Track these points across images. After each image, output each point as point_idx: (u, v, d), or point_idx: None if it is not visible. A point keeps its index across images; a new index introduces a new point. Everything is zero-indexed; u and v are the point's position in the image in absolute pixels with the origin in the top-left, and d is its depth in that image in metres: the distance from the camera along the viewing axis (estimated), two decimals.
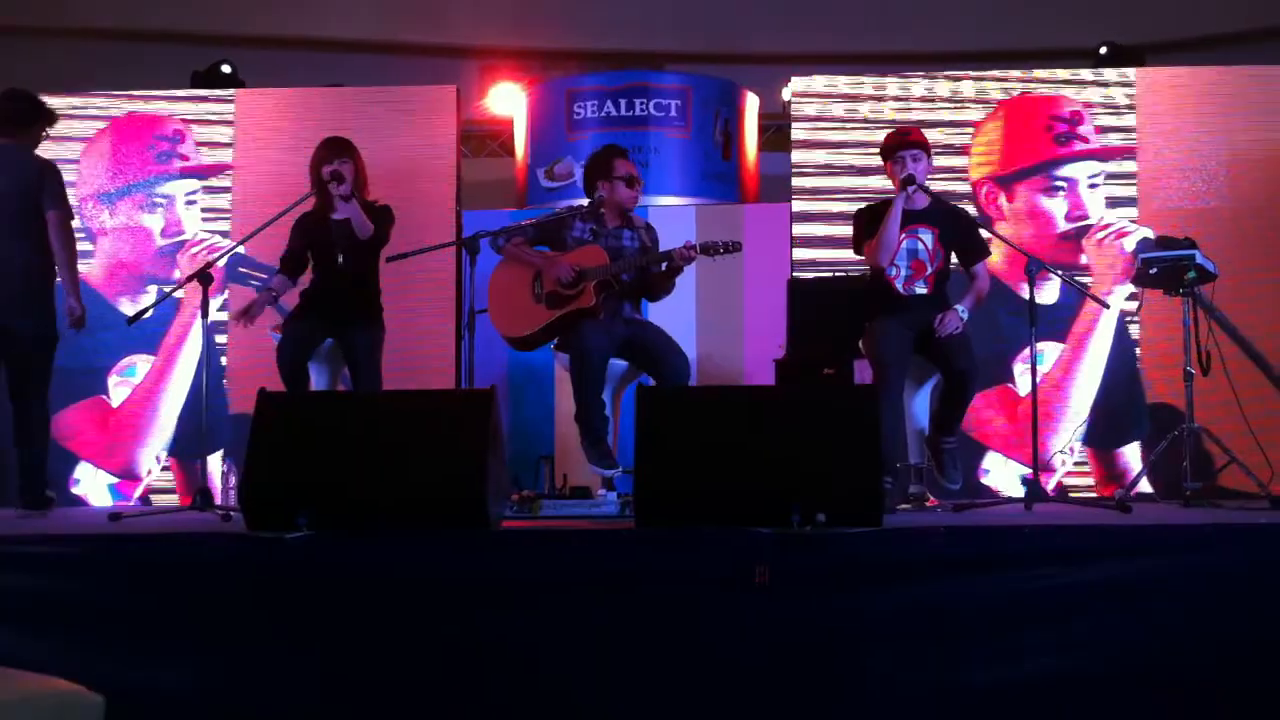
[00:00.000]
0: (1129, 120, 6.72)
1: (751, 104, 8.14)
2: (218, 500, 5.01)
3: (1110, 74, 6.82)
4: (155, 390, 6.78)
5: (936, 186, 5.08)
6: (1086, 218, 6.67)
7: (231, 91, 7.11)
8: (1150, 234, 6.57)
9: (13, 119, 5.17)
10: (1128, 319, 6.54)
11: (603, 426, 4.91)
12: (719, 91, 7.97)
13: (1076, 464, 6.53)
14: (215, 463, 6.49)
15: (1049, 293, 6.53)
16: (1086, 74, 6.83)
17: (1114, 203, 6.67)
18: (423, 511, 3.70)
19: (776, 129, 8.27)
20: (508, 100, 8.62)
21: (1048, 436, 6.42)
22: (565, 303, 4.97)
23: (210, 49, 7.69)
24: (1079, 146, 6.73)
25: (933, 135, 5.25)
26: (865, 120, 6.80)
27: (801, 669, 3.41)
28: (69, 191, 6.05)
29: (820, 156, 6.82)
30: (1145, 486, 5.79)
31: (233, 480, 5.98)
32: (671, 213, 7.12)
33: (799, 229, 6.78)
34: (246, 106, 7.02)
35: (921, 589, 3.45)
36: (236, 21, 9.10)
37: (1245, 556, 3.51)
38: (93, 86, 7.10)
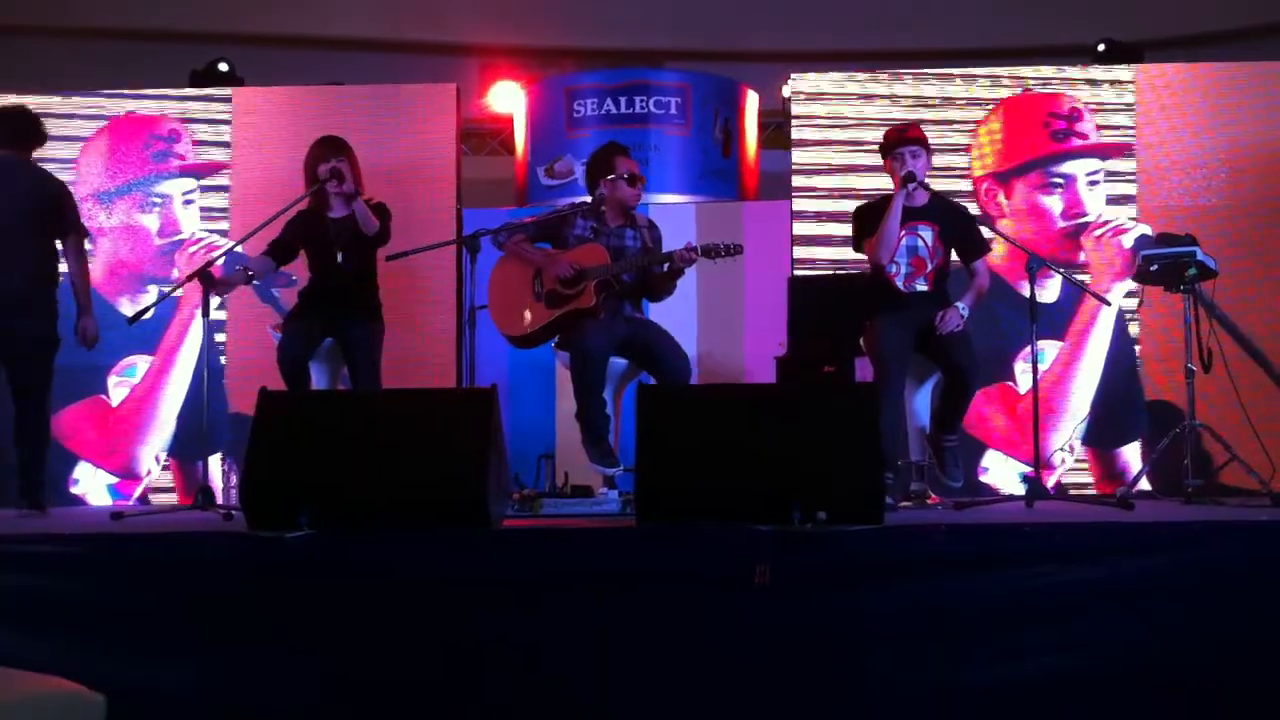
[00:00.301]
0: (1128, 118, 6.71)
1: (751, 101, 8.13)
2: (219, 499, 5.01)
3: (1109, 71, 6.81)
4: (154, 390, 6.77)
5: (936, 185, 5.07)
6: (1085, 215, 6.66)
7: (229, 90, 7.10)
8: (1149, 231, 6.57)
9: (22, 134, 5.34)
10: (1127, 316, 6.53)
11: (603, 425, 4.90)
12: (718, 89, 7.96)
13: (1077, 462, 6.53)
14: (215, 462, 6.50)
15: (1049, 290, 6.53)
16: (1086, 71, 6.82)
17: (1113, 200, 6.67)
18: (423, 510, 3.70)
19: (776, 126, 8.27)
20: (507, 98, 8.61)
21: (1047, 434, 6.41)
22: (565, 302, 4.97)
23: (210, 48, 7.68)
24: (1077, 143, 6.72)
25: (932, 133, 5.24)
26: (865, 118, 6.80)
27: (802, 667, 3.41)
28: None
29: (820, 154, 6.81)
30: (1144, 484, 5.79)
31: (233, 479, 5.98)
32: (671, 210, 7.12)
33: (799, 227, 6.78)
34: (244, 105, 7.02)
35: (922, 587, 3.45)
36: (236, 20, 9.10)
37: (1247, 554, 3.50)
38: (92, 86, 7.10)
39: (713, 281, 6.71)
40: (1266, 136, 6.62)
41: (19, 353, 5.11)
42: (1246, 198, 6.59)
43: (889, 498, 4.26)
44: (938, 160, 5.89)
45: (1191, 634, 3.42)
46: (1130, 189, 6.67)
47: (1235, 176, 6.61)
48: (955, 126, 6.77)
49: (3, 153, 5.25)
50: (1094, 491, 6.43)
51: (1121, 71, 6.80)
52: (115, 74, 7.45)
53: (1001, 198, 6.72)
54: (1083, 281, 6.28)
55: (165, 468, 6.74)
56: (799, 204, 6.80)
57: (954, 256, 5.06)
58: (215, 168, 6.95)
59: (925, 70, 6.92)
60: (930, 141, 5.07)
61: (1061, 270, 5.75)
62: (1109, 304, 6.16)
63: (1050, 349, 6.50)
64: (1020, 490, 6.17)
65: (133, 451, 6.76)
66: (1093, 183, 6.69)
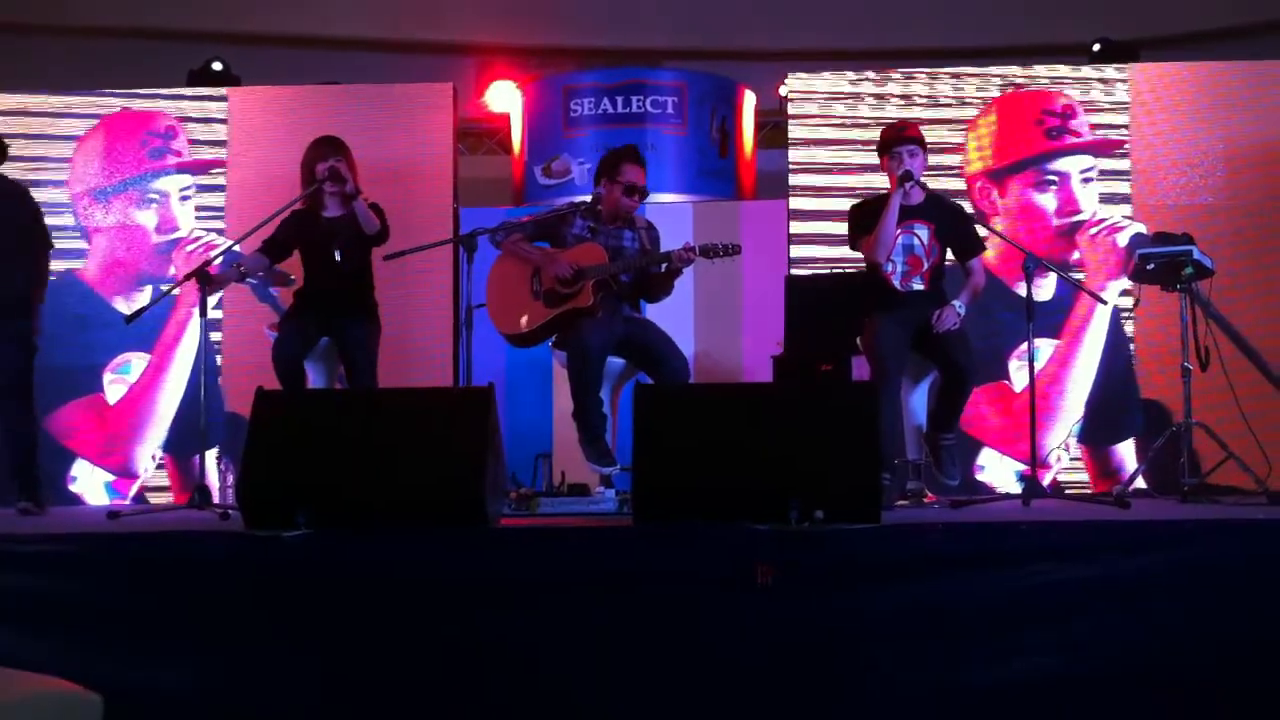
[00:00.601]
0: (1123, 117, 6.72)
1: (748, 101, 8.14)
2: (215, 498, 5.01)
3: (1105, 70, 6.81)
4: (151, 388, 6.77)
5: (931, 183, 5.07)
6: (1079, 212, 6.67)
7: (225, 90, 7.09)
8: (1143, 229, 6.57)
9: None
10: (1122, 315, 6.53)
11: (601, 424, 4.90)
12: (715, 88, 7.96)
13: (1072, 460, 6.53)
14: (211, 460, 6.50)
15: (1044, 289, 6.53)
16: (1081, 70, 6.83)
17: (1108, 199, 6.67)
18: (421, 509, 3.70)
19: (773, 125, 8.27)
20: (504, 98, 8.61)
21: (1043, 433, 6.41)
22: (563, 301, 4.97)
23: (208, 47, 7.68)
24: (1071, 140, 6.72)
25: (928, 132, 5.24)
26: (861, 117, 6.80)
27: (800, 666, 3.41)
28: (62, 191, 6.05)
29: (817, 154, 6.81)
30: (1139, 482, 5.79)
31: (230, 479, 5.98)
32: (668, 210, 7.12)
33: (796, 226, 6.78)
34: (240, 105, 7.01)
35: (920, 586, 3.45)
36: (234, 19, 9.08)
37: (1244, 552, 3.51)
38: (90, 85, 7.09)
39: (710, 281, 6.71)
40: (1262, 135, 6.63)
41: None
42: (1242, 196, 6.60)
43: (886, 497, 4.26)
44: (933, 159, 5.88)
45: (1189, 632, 3.43)
46: (1125, 187, 6.68)
47: (1231, 175, 6.62)
48: (951, 126, 6.77)
49: None
50: (1089, 489, 6.44)
51: (1116, 70, 6.80)
52: (113, 73, 7.45)
53: (995, 195, 6.73)
54: (1078, 280, 6.28)
55: (160, 466, 6.73)
56: (796, 203, 6.79)
57: (950, 255, 5.06)
58: (212, 164, 6.94)
59: (921, 69, 6.92)
60: (926, 140, 5.07)
61: (1057, 269, 5.75)
62: (1105, 303, 6.16)
63: (1045, 347, 6.51)
64: (1016, 488, 6.18)
65: (130, 450, 6.76)
66: (1086, 180, 6.69)
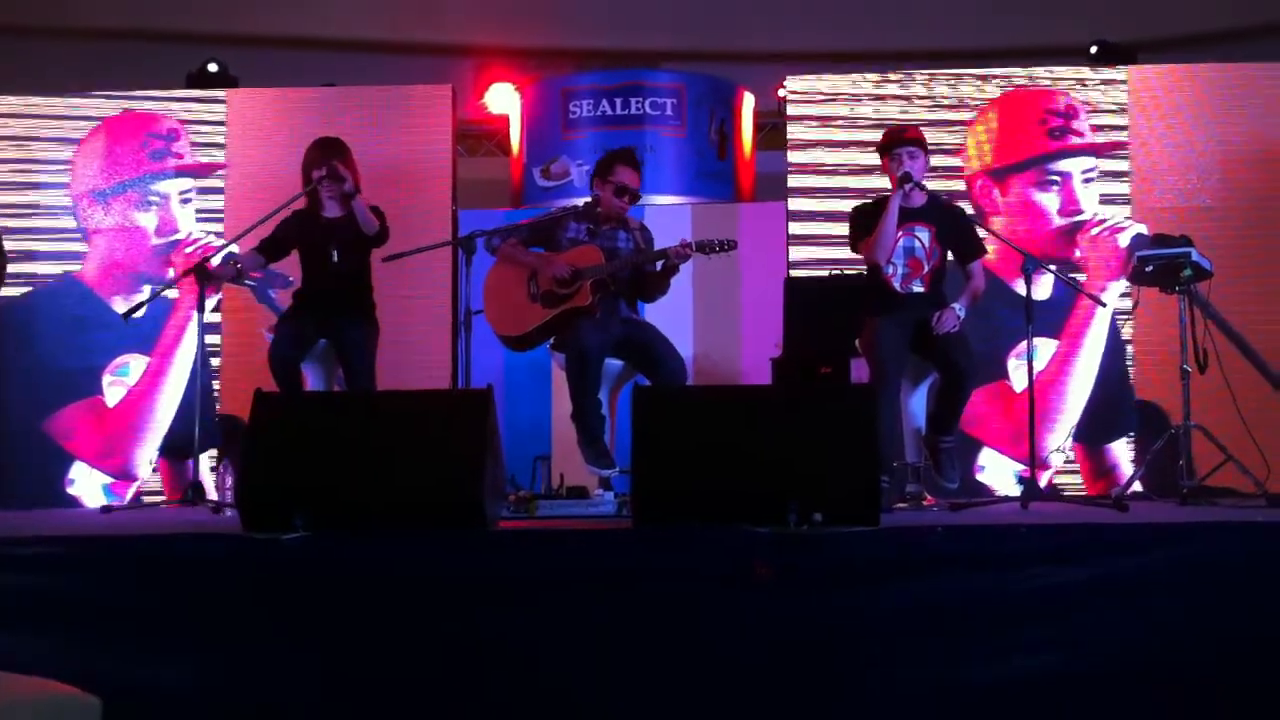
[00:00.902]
0: (1121, 119, 6.72)
1: (747, 102, 8.14)
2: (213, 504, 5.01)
3: (1103, 72, 6.81)
4: (150, 390, 6.76)
5: (931, 185, 5.07)
6: (1080, 212, 6.66)
7: (224, 92, 7.09)
8: (1144, 230, 6.57)
9: None
10: (1119, 317, 6.53)
11: (599, 426, 4.90)
12: (714, 90, 7.96)
13: (1066, 461, 6.53)
14: (206, 461, 6.52)
15: (1043, 288, 6.51)
16: (1079, 72, 6.83)
17: (1108, 201, 6.67)
18: (419, 512, 3.69)
19: (772, 127, 8.27)
20: (503, 99, 8.61)
21: (1042, 433, 6.41)
22: (561, 302, 4.97)
23: (208, 49, 7.68)
24: (1074, 141, 6.72)
25: (926, 134, 5.24)
26: (861, 119, 6.80)
27: (799, 668, 3.41)
28: (63, 192, 6.04)
29: (816, 156, 6.81)
30: (1135, 484, 5.79)
31: (228, 481, 5.98)
32: (667, 212, 7.12)
33: (795, 228, 6.77)
34: (239, 106, 7.01)
35: (919, 588, 3.45)
36: (234, 21, 9.09)
37: (1244, 555, 3.51)
38: (89, 86, 7.09)
39: (709, 282, 6.71)
40: (1260, 137, 6.63)
41: None
42: (1241, 198, 6.60)
43: (884, 499, 4.25)
44: (933, 161, 5.88)
45: (1189, 635, 3.42)
46: (1125, 189, 6.68)
47: (1229, 177, 6.62)
48: (950, 128, 6.76)
49: None
50: (1084, 489, 6.44)
51: (1114, 72, 6.80)
52: (113, 74, 7.44)
53: (996, 194, 6.72)
54: (1078, 282, 6.28)
55: (155, 469, 6.72)
56: (795, 204, 6.79)
57: (950, 258, 5.06)
58: (213, 168, 6.93)
59: (919, 71, 6.92)
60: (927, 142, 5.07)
61: (1057, 271, 5.75)
62: (1104, 304, 6.16)
63: (1044, 347, 6.50)
64: (1016, 489, 6.17)
65: (129, 453, 6.75)
66: (1088, 180, 6.69)
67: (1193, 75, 6.78)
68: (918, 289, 4.95)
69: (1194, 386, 5.23)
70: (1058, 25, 8.54)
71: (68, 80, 7.31)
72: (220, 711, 3.44)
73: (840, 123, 6.83)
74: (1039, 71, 6.86)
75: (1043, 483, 6.27)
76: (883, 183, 5.14)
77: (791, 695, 3.39)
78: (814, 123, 6.84)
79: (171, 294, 6.40)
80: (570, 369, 4.89)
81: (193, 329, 6.67)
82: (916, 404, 5.06)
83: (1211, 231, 6.35)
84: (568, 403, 4.91)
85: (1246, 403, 5.43)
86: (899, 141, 4.96)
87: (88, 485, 6.73)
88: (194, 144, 6.97)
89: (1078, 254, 6.64)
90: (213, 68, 7.28)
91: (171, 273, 6.71)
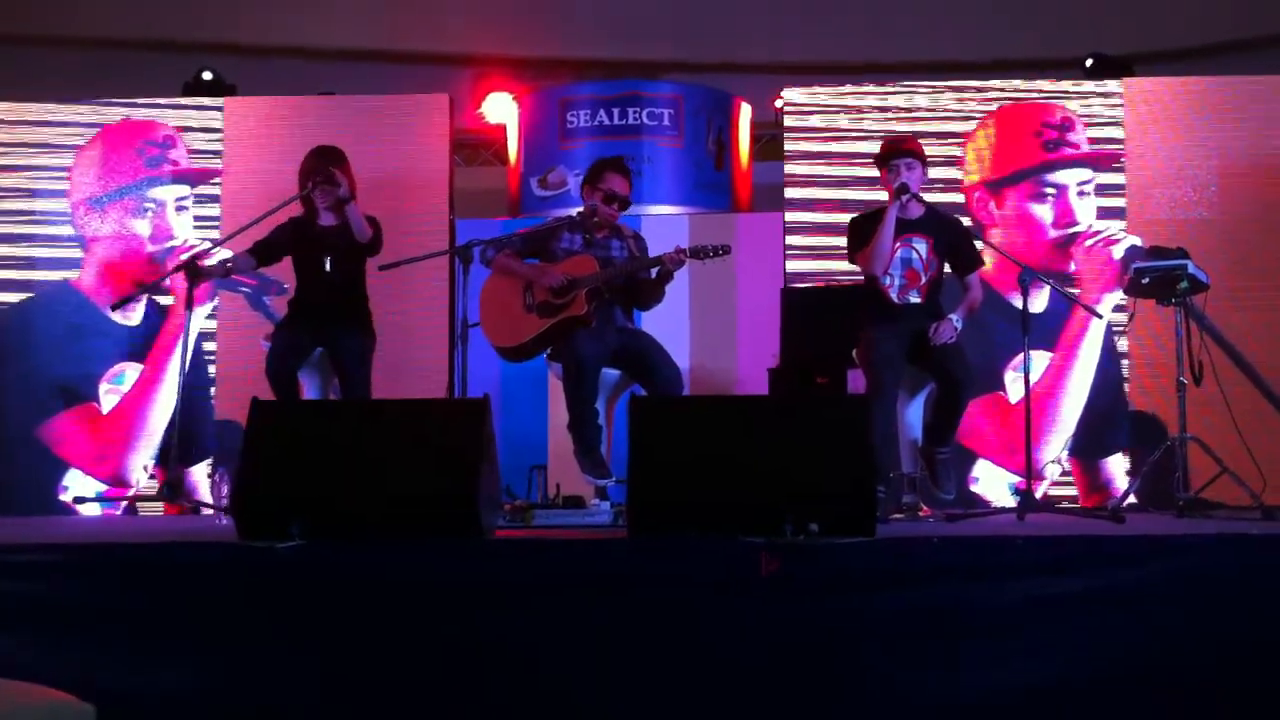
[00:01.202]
0: (1117, 132, 6.73)
1: (744, 113, 8.15)
2: (209, 510, 5.01)
3: (1098, 85, 6.83)
4: (144, 398, 6.76)
5: (928, 197, 5.08)
6: (1076, 224, 6.68)
7: (221, 100, 7.09)
8: (1139, 242, 6.58)
9: None
10: (1115, 330, 6.53)
11: (596, 436, 4.90)
12: (712, 101, 7.97)
13: (1062, 473, 6.53)
14: (202, 470, 6.52)
15: (1039, 300, 6.53)
16: (1075, 84, 6.85)
17: (1103, 213, 6.68)
18: (415, 521, 3.68)
19: (769, 138, 8.28)
20: (501, 109, 8.62)
21: (1038, 445, 6.41)
22: (557, 312, 4.97)
23: (206, 58, 7.69)
24: (1069, 153, 6.74)
25: (923, 146, 5.25)
26: (857, 130, 6.81)
27: (794, 676, 3.40)
28: (63, 201, 6.03)
29: (813, 167, 6.82)
30: (1130, 496, 5.79)
31: (225, 489, 5.96)
32: (664, 222, 7.13)
33: (792, 239, 6.78)
34: (236, 115, 7.01)
35: (915, 600, 3.45)
36: (232, 30, 9.09)
37: (1241, 567, 3.51)
38: (88, 94, 7.09)
39: (705, 292, 6.72)
40: (1256, 149, 6.65)
41: None
42: (1236, 211, 6.62)
43: (881, 510, 4.25)
44: (931, 173, 5.89)
45: (1185, 647, 3.43)
46: (1120, 202, 6.69)
47: (1225, 189, 6.64)
48: (947, 140, 6.78)
49: None
50: (1078, 503, 6.44)
51: (1110, 85, 6.82)
52: (111, 82, 7.44)
53: (993, 206, 6.74)
54: (1074, 295, 6.29)
55: (151, 477, 6.71)
56: (792, 216, 6.80)
57: (947, 269, 5.06)
58: (209, 174, 6.93)
59: (916, 83, 6.93)
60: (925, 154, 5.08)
61: (1053, 283, 5.76)
62: (1100, 316, 6.17)
63: (1039, 359, 6.51)
64: (1011, 500, 6.18)
65: (122, 460, 6.74)
66: (1083, 193, 6.70)
67: (1189, 88, 6.80)
68: (915, 300, 4.95)
69: (1189, 398, 5.23)
70: (1055, 38, 8.56)
71: (65, 89, 7.32)
72: (216, 719, 3.44)
73: (837, 134, 6.84)
74: (1035, 84, 6.88)
75: (1038, 494, 6.26)
76: (880, 195, 5.15)
77: (786, 702, 3.39)
78: (811, 134, 6.85)
79: (167, 301, 6.40)
80: (567, 379, 4.89)
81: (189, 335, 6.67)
82: (913, 415, 5.06)
83: (1208, 243, 6.36)
84: (564, 412, 4.91)
85: (1242, 415, 5.43)
86: (896, 152, 4.97)
87: (81, 492, 6.72)
88: (191, 152, 6.97)
89: (1073, 266, 6.65)
90: (207, 76, 7.27)
91: (168, 282, 6.71)
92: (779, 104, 7.08)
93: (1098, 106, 6.77)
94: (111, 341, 6.46)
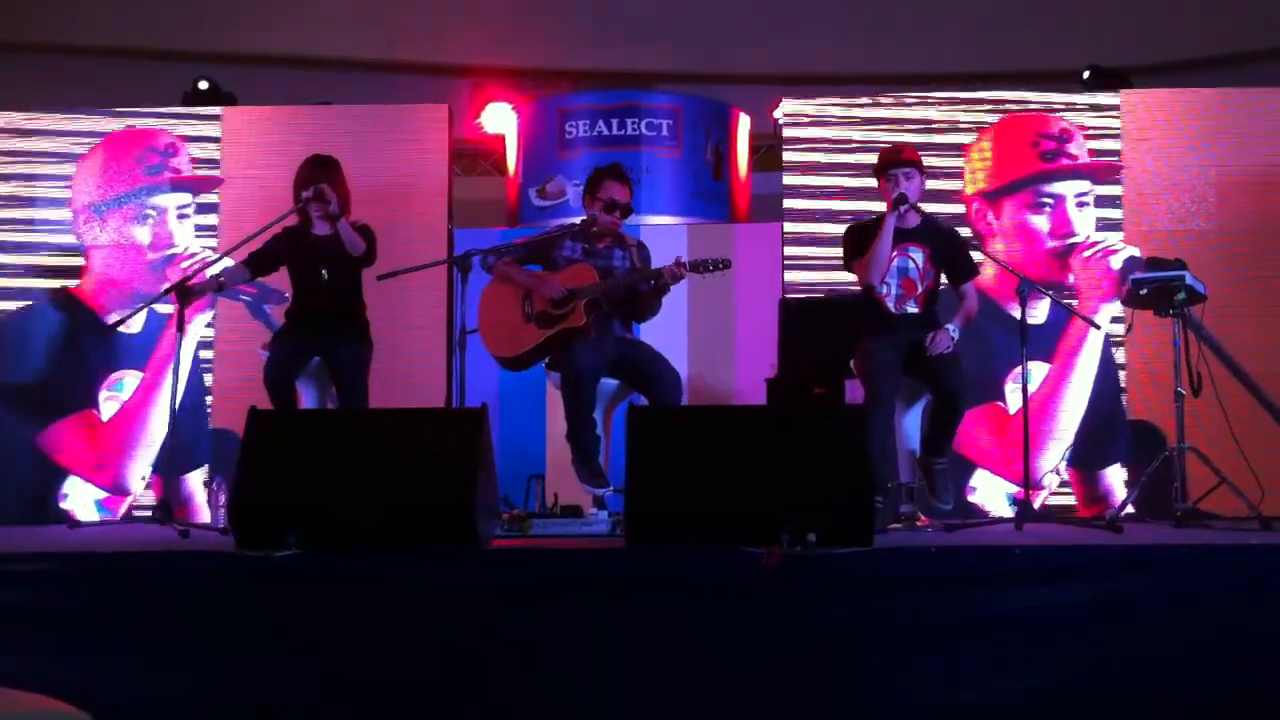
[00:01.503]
0: (1114, 143, 6.75)
1: (743, 124, 8.17)
2: (208, 519, 5.00)
3: (1095, 96, 6.85)
4: (143, 406, 6.75)
5: (925, 207, 5.08)
6: (1073, 235, 6.68)
7: (220, 110, 7.10)
8: (1137, 253, 6.59)
9: None
10: (1112, 340, 6.53)
11: (594, 446, 4.90)
12: (710, 111, 7.99)
13: (1061, 484, 6.53)
14: (198, 478, 6.52)
15: (1037, 311, 6.53)
16: (1073, 96, 6.86)
17: (1101, 225, 6.69)
18: (413, 530, 3.68)
19: (768, 149, 8.29)
20: (500, 119, 8.63)
21: (1036, 455, 6.42)
22: (556, 322, 4.97)
23: (206, 68, 7.70)
24: (1067, 163, 6.75)
25: (921, 157, 5.26)
26: (856, 141, 6.82)
27: (792, 686, 3.40)
28: (64, 211, 6.01)
29: (812, 178, 6.83)
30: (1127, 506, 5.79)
31: (222, 499, 5.97)
32: (663, 232, 7.13)
33: (790, 249, 6.79)
34: (235, 124, 7.02)
35: (913, 609, 3.45)
36: (232, 40, 9.12)
37: (1239, 577, 3.52)
38: (89, 104, 7.10)
39: (703, 303, 6.72)
40: (1253, 161, 6.67)
41: None
42: (1234, 222, 6.63)
43: (878, 520, 4.25)
44: (928, 184, 5.90)
45: (1183, 656, 3.43)
46: (1117, 213, 6.70)
47: (1223, 201, 6.65)
48: (945, 151, 6.78)
49: None
50: (1078, 512, 6.44)
51: (1107, 97, 6.84)
52: (111, 92, 7.46)
53: (991, 217, 6.75)
54: (1072, 305, 6.30)
55: (148, 486, 6.71)
56: (790, 226, 6.80)
57: (944, 279, 5.07)
58: (211, 182, 6.93)
59: (914, 94, 6.94)
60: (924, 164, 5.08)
61: (1052, 294, 5.77)
62: (1098, 327, 6.17)
63: (1036, 370, 6.51)
64: (1009, 510, 6.18)
65: (121, 467, 6.74)
66: (1081, 204, 6.71)
67: (1186, 99, 6.82)
68: (912, 310, 4.95)
69: (1187, 409, 5.24)
70: (1050, 50, 8.59)
71: (65, 97, 7.33)
72: None
73: (835, 145, 6.85)
74: (1033, 95, 6.90)
75: (1036, 505, 6.27)
76: (878, 206, 5.15)
77: (783, 709, 3.38)
78: (809, 145, 6.86)
79: (166, 309, 6.40)
80: (565, 389, 4.89)
81: (187, 344, 6.68)
82: (910, 425, 5.06)
83: (1205, 254, 6.37)
84: (562, 422, 4.91)
85: (1240, 425, 5.44)
86: (895, 162, 4.98)
87: (80, 499, 6.72)
88: (193, 160, 6.97)
89: (1071, 278, 6.66)
90: (203, 85, 7.27)
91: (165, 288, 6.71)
92: (777, 114, 7.09)
93: (1095, 118, 6.77)
94: (111, 349, 6.45)
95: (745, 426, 3.95)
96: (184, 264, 6.81)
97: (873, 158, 5.23)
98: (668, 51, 9.36)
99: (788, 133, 6.92)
